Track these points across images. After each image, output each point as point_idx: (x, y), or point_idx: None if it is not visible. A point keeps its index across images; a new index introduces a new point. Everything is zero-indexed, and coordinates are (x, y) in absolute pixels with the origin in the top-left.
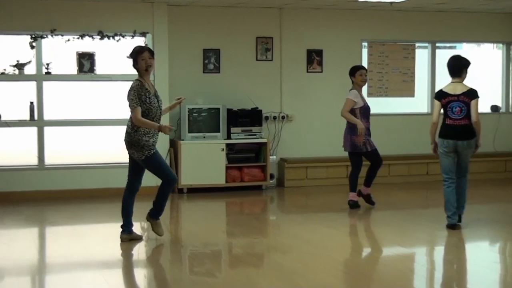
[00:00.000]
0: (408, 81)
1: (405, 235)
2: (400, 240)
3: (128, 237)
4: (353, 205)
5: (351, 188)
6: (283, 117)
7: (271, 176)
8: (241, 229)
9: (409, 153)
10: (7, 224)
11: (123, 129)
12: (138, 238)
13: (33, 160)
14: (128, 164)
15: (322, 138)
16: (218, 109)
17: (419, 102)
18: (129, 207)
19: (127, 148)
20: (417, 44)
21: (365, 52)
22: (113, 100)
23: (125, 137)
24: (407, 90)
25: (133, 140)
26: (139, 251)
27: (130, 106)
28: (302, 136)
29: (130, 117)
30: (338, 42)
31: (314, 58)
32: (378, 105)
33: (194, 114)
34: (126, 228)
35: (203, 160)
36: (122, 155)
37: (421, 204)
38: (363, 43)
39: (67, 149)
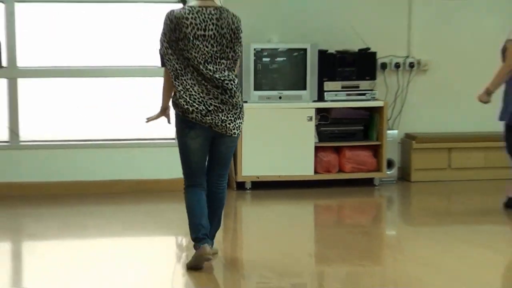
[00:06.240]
0: None
1: None
2: None
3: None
4: None
5: None
6: (411, 65)
7: (390, 164)
8: (340, 251)
9: None
10: None
11: (148, 83)
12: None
13: (1, 134)
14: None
15: (478, 102)
16: (305, 50)
17: None
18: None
19: None
20: None
21: None
22: (132, 35)
23: None
24: None
25: None
26: (175, 283)
27: None
28: (443, 98)
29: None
30: None
31: None
32: None
33: (264, 60)
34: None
35: (277, 135)
36: (144, 127)
37: None
38: None
39: (56, 116)
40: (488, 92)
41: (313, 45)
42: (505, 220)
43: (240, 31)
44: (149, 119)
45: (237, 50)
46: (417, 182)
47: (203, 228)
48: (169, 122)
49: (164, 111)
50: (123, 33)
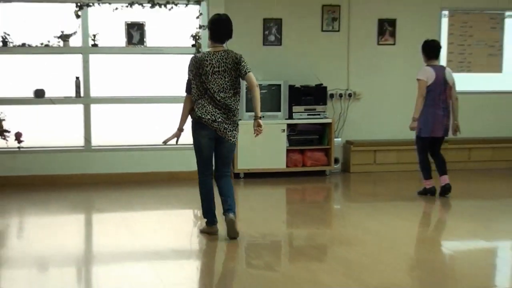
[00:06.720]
0: (495, 55)
1: (488, 228)
2: (481, 233)
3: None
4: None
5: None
6: (349, 95)
7: (336, 161)
8: (303, 219)
9: (493, 136)
10: (52, 210)
11: (175, 107)
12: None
13: (79, 141)
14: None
15: (393, 119)
16: (279, 85)
17: (507, 79)
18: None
19: None
20: (507, 13)
21: (445, 22)
22: (165, 75)
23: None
24: (493, 65)
25: None
26: (192, 241)
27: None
28: (371, 116)
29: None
30: (414, 11)
31: (386, 28)
32: (458, 81)
33: None
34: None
35: (261, 142)
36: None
37: (506, 193)
38: (443, 12)
39: (116, 129)
40: (414, 120)
41: (285, 82)
42: (413, 199)
43: (242, 60)
44: (165, 141)
45: (243, 71)
46: (354, 173)
47: (212, 213)
48: (176, 142)
49: (178, 132)
50: (160, 73)
